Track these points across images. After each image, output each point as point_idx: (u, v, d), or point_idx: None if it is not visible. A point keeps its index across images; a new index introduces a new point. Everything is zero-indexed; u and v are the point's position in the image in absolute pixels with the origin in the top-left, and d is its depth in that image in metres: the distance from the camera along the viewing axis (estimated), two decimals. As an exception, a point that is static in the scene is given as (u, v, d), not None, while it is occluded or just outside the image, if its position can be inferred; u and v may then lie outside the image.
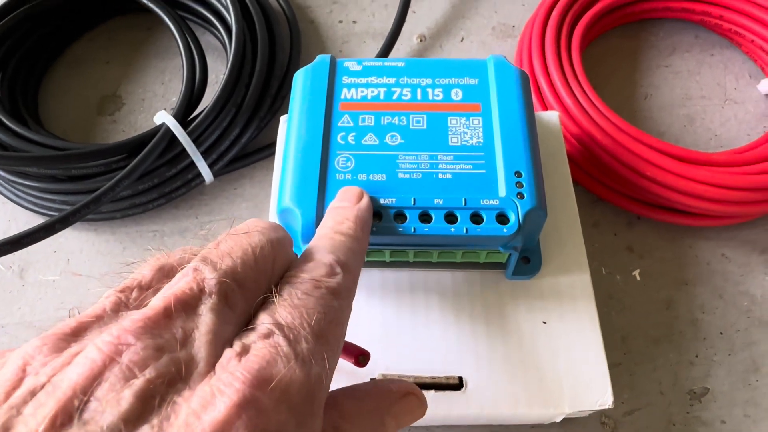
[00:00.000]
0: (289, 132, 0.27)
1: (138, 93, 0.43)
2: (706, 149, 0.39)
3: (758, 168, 0.33)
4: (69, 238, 0.37)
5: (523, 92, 0.28)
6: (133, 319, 0.14)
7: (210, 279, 0.16)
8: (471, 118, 0.27)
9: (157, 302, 0.15)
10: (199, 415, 0.13)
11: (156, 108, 0.42)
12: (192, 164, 0.36)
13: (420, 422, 0.29)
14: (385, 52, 0.42)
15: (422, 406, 0.20)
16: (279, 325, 0.15)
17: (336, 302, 0.17)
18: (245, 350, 0.15)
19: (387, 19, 0.46)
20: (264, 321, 0.16)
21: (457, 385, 0.26)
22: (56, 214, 0.35)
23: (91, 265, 0.36)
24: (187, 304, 0.15)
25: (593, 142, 0.35)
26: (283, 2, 0.44)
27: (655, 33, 0.45)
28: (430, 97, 0.28)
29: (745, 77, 0.43)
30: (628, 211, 0.36)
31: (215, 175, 0.37)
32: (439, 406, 0.25)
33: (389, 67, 0.29)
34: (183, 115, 0.36)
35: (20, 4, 0.41)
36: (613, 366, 0.26)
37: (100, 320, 0.15)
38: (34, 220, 0.37)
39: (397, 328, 0.27)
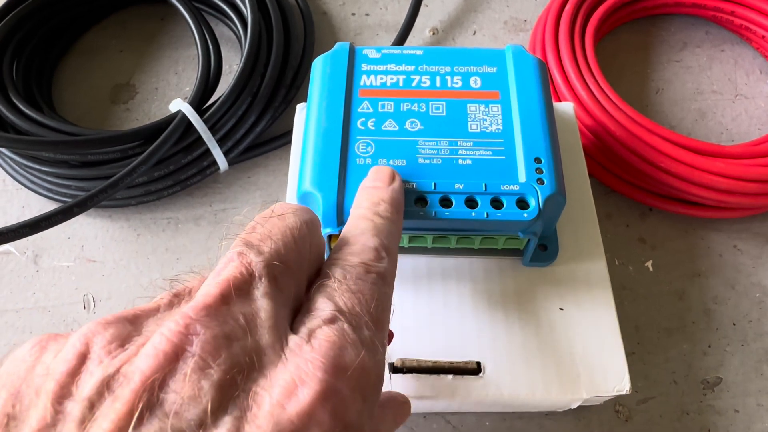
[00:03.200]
0: (309, 118, 0.28)
1: (151, 82, 0.43)
2: (718, 143, 0.39)
3: (772, 160, 0.33)
4: (83, 224, 0.37)
5: (542, 80, 0.28)
6: (194, 306, 0.14)
7: (257, 262, 0.15)
8: (490, 106, 0.28)
9: (211, 289, 0.15)
10: (284, 406, 0.13)
11: (169, 97, 0.42)
12: (207, 152, 0.36)
13: (438, 408, 0.29)
14: (398, 44, 0.42)
15: (409, 412, 0.22)
16: (341, 311, 0.15)
17: (385, 288, 0.18)
18: (312, 335, 0.15)
19: (399, 12, 0.46)
20: (325, 306, 0.16)
21: (475, 370, 0.26)
22: (70, 200, 0.35)
23: (105, 252, 0.36)
24: (241, 290, 0.15)
25: (607, 134, 0.35)
26: (296, -6, 0.45)
27: (666, 28, 0.45)
28: (449, 85, 0.28)
29: (756, 73, 0.43)
30: (640, 203, 0.36)
31: (230, 163, 0.37)
32: (457, 390, 0.25)
33: (408, 55, 0.30)
34: (198, 103, 0.36)
35: (35, -8, 0.41)
36: (626, 355, 0.26)
37: (155, 313, 0.15)
38: (47, 207, 0.37)
39: (414, 313, 0.27)
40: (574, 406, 0.27)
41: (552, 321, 0.27)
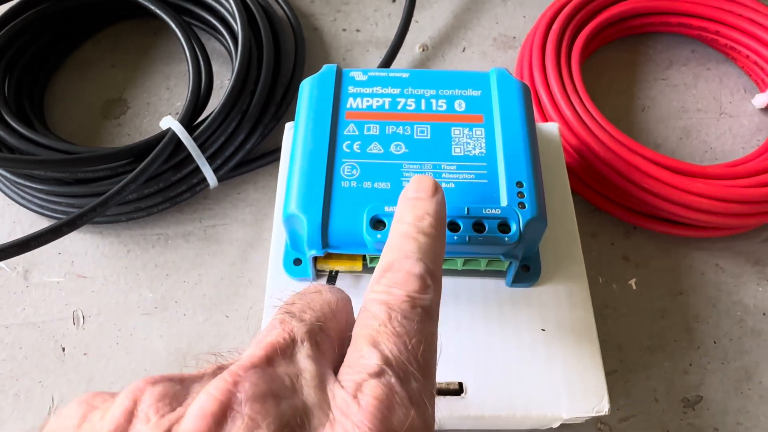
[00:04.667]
0: (296, 140, 0.28)
1: (143, 97, 0.43)
2: (702, 162, 0.40)
3: (752, 181, 0.34)
4: (74, 240, 0.37)
5: (525, 104, 0.29)
6: (241, 365, 0.14)
7: (299, 327, 0.16)
8: (474, 129, 0.28)
9: (256, 351, 0.15)
10: None
11: (161, 112, 0.43)
12: (197, 169, 0.36)
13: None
14: (388, 60, 0.43)
15: None
16: (388, 362, 0.15)
17: (431, 326, 0.17)
18: (359, 390, 0.14)
19: (390, 29, 0.47)
20: (371, 355, 0.15)
21: (457, 390, 0.26)
22: (61, 216, 0.36)
23: (95, 268, 0.36)
24: (285, 352, 0.15)
25: (592, 154, 0.35)
26: (287, 10, 0.45)
27: (653, 47, 0.46)
28: (434, 108, 0.29)
29: (740, 92, 0.44)
30: (625, 222, 0.37)
31: (220, 180, 0.37)
32: (439, 410, 0.26)
33: (394, 77, 0.30)
34: (189, 120, 0.36)
35: (28, 7, 0.41)
36: (608, 373, 0.26)
37: (200, 380, 0.15)
38: (38, 222, 0.38)
39: (398, 333, 0.27)
40: (555, 425, 0.28)
41: (533, 341, 0.27)
